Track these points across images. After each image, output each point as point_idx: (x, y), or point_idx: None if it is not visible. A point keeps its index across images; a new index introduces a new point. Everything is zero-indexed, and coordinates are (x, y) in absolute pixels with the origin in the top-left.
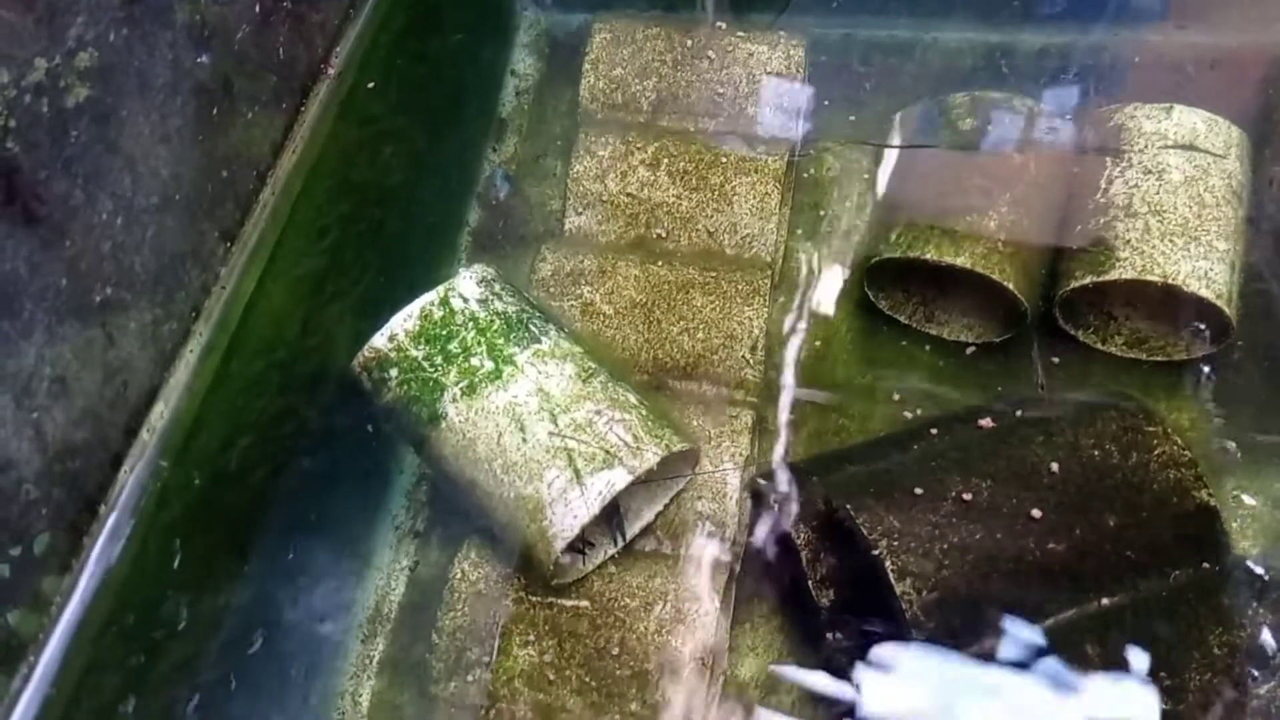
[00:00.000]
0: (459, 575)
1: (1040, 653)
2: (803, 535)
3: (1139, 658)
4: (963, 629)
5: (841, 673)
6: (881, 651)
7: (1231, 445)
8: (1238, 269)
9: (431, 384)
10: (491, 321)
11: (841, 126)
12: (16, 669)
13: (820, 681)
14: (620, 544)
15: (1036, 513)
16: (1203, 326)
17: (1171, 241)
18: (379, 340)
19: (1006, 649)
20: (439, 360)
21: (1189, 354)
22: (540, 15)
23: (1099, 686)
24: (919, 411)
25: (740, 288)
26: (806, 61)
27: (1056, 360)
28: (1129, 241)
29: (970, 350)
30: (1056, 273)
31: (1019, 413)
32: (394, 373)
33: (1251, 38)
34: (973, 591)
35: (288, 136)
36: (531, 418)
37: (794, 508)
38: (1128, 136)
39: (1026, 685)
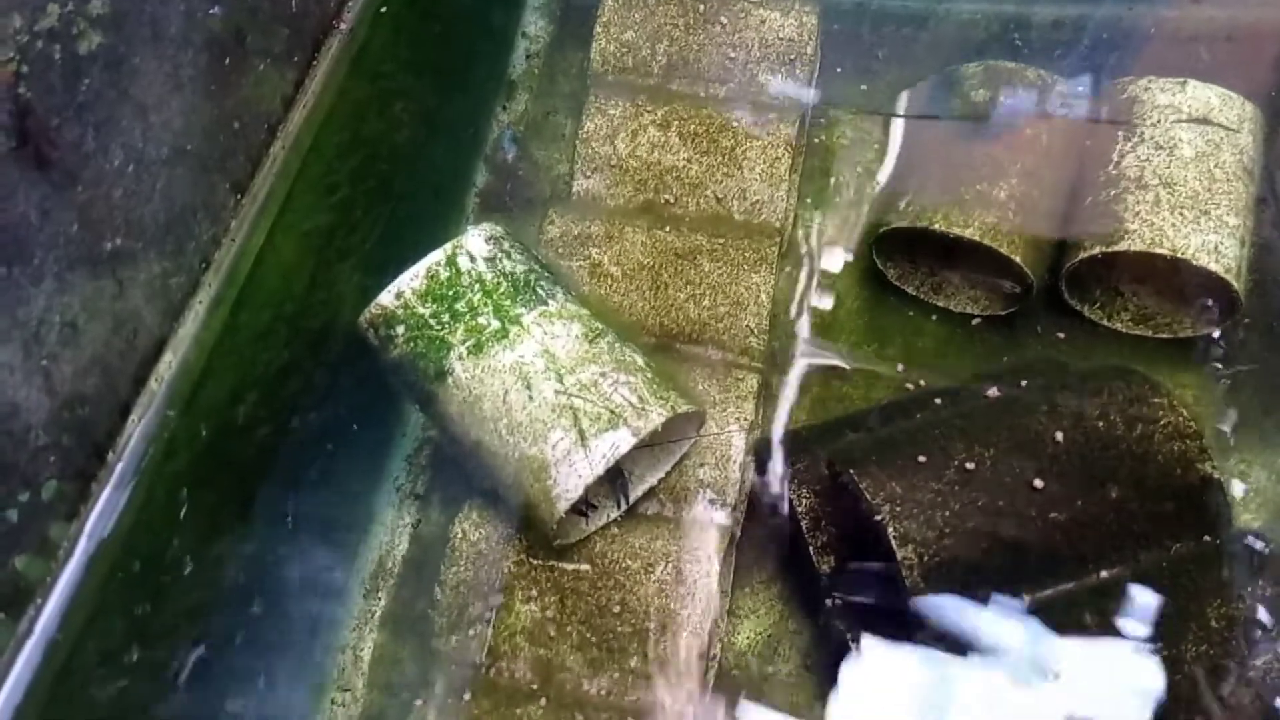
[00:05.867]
0: (460, 535)
1: (1036, 625)
2: (804, 501)
3: (1138, 629)
4: (962, 596)
5: (839, 639)
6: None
7: (1235, 419)
8: (1247, 244)
9: (438, 342)
10: (499, 283)
11: (853, 95)
12: (23, 612)
13: None
14: (623, 506)
15: (1039, 482)
16: (1210, 302)
17: (1181, 215)
18: (386, 298)
19: (1004, 620)
20: (446, 318)
21: (1195, 330)
22: None
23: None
24: (923, 381)
25: (748, 254)
26: (819, 29)
27: (1062, 335)
28: (1139, 214)
29: (976, 322)
30: (1065, 245)
31: (1024, 382)
32: (400, 330)
33: (1268, 12)
34: (973, 559)
35: (299, 90)
36: (538, 378)
37: (796, 474)
38: (1140, 110)
39: (1018, 675)
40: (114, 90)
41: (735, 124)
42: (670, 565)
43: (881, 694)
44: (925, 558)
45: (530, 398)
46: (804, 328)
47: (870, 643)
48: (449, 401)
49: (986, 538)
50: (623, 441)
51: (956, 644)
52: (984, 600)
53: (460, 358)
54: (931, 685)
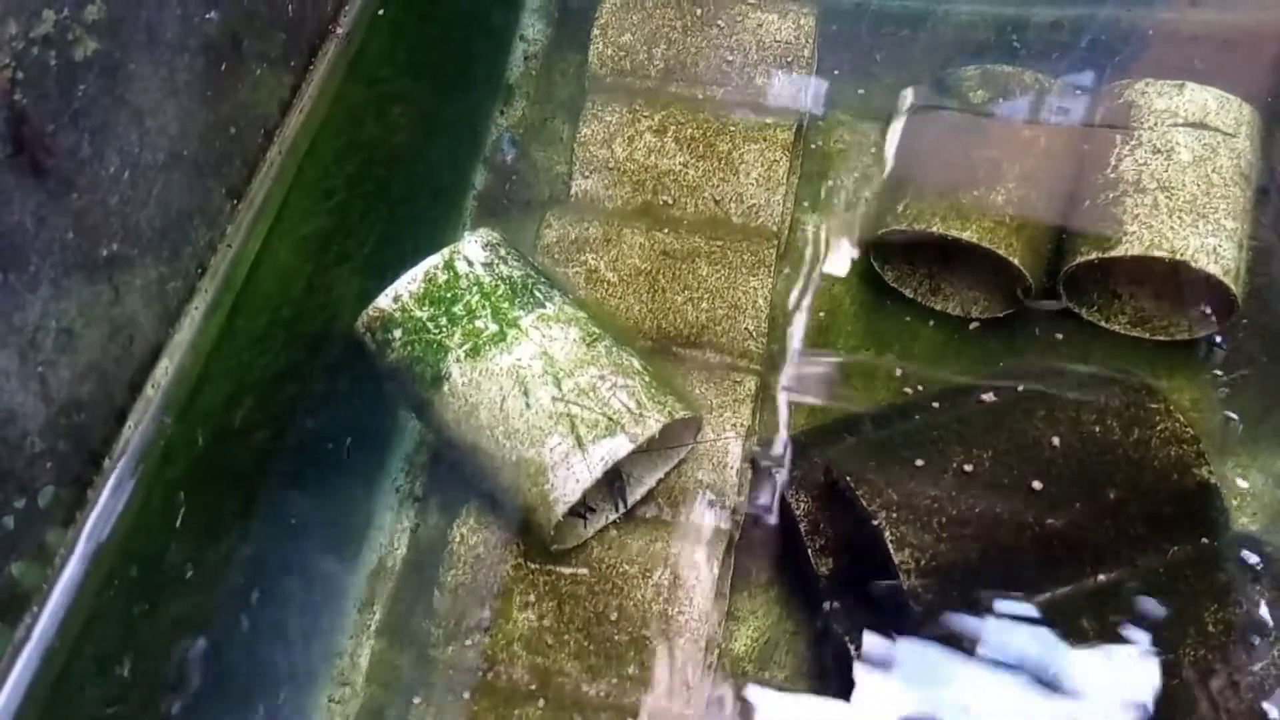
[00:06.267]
0: (458, 540)
1: (1036, 628)
2: (802, 505)
3: (1135, 633)
4: (960, 601)
5: (838, 642)
6: (875, 643)
7: (1233, 423)
8: (1245, 248)
9: (435, 345)
10: (496, 285)
11: (851, 97)
12: (20, 619)
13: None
14: (621, 509)
15: (1037, 486)
16: (1207, 306)
17: (1180, 218)
18: (383, 301)
19: (1002, 624)
20: (443, 321)
21: (1193, 333)
22: None
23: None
24: (921, 385)
25: (746, 257)
26: (816, 31)
27: (1060, 337)
28: (1137, 217)
29: (973, 325)
30: (1063, 248)
31: (1021, 387)
32: (398, 334)
33: (1265, 16)
34: (971, 563)
35: (295, 95)
36: (535, 381)
37: (794, 478)
38: (1138, 113)
39: (1017, 678)
40: (109, 96)
41: (732, 128)
42: (668, 569)
43: (879, 689)
44: (923, 561)
45: (527, 404)
46: (802, 331)
47: (868, 639)
48: (446, 408)
49: (984, 541)
50: (620, 447)
51: (957, 640)
52: (994, 600)
53: (458, 361)
54: (928, 679)
